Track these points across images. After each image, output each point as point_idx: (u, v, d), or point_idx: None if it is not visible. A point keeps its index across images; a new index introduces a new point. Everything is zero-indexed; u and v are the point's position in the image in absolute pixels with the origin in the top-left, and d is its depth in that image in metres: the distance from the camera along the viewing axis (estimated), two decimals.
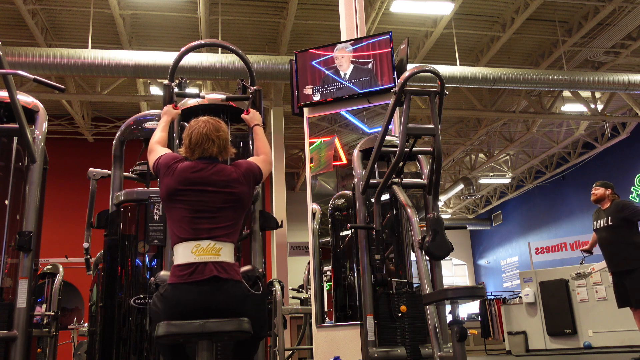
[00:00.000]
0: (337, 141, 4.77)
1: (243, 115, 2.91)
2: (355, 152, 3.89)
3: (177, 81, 3.10)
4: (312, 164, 4.75)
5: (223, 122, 2.52)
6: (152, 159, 2.54)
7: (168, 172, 2.40)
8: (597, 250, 5.40)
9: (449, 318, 2.61)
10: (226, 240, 2.32)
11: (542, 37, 10.15)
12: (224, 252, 2.29)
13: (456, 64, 9.46)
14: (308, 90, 4.74)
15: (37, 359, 5.00)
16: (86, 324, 6.73)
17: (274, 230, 4.83)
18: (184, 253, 2.26)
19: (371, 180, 3.61)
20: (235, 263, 2.35)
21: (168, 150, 2.58)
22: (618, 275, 5.06)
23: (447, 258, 3.81)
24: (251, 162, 2.55)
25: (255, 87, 3.09)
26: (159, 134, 2.69)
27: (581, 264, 5.62)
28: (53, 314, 5.16)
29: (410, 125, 3.00)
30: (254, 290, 2.34)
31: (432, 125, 3.01)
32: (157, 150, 2.57)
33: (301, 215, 7.17)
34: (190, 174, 2.36)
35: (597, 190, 5.28)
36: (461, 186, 15.71)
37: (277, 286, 4.61)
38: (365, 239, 3.62)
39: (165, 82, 3.02)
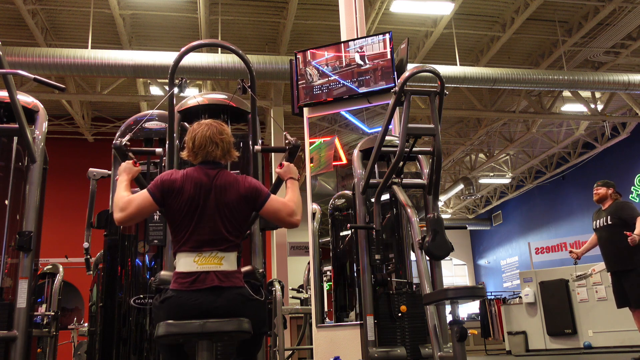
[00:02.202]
0: (337, 141, 4.78)
1: (277, 170, 2.66)
2: (355, 152, 3.89)
3: (177, 81, 3.09)
4: (312, 164, 4.75)
5: (226, 125, 2.49)
6: (138, 200, 2.28)
7: (180, 184, 2.29)
8: (596, 250, 5.39)
9: (449, 318, 2.61)
10: (228, 250, 2.30)
11: (542, 37, 10.15)
12: (226, 261, 2.27)
13: (456, 64, 9.45)
14: (308, 90, 4.74)
15: (37, 359, 5.00)
16: (86, 324, 6.73)
17: (274, 230, 4.82)
18: (186, 261, 2.25)
19: (371, 180, 3.61)
20: (238, 269, 2.33)
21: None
22: (616, 275, 5.06)
23: (447, 258, 3.81)
24: (261, 185, 2.44)
25: (293, 141, 2.75)
26: (125, 193, 2.34)
27: (575, 264, 5.62)
28: (53, 314, 5.16)
29: (410, 125, 3.00)
30: (257, 297, 2.33)
31: (432, 125, 3.01)
32: (135, 196, 2.31)
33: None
34: (201, 181, 2.31)
35: (599, 190, 5.28)
36: (461, 186, 15.71)
37: (277, 286, 4.61)
38: (365, 239, 3.63)
39: (117, 141, 2.69)
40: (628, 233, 4.86)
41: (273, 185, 2.96)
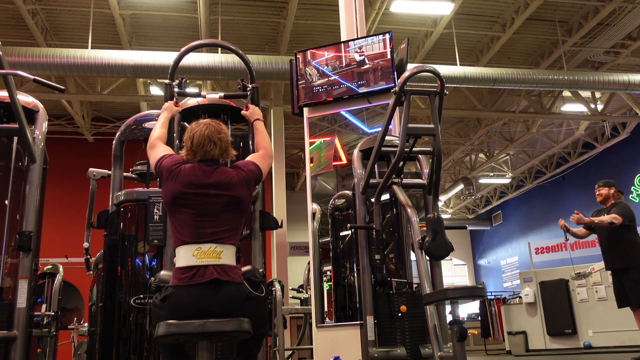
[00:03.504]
0: (337, 141, 4.77)
1: (243, 112, 2.92)
2: (355, 152, 3.89)
3: (177, 81, 3.10)
4: (312, 164, 4.75)
5: (224, 125, 2.52)
6: (153, 156, 2.53)
7: (171, 176, 2.38)
8: (596, 250, 5.39)
9: (449, 318, 2.61)
10: (227, 243, 2.32)
11: (542, 37, 10.15)
12: (225, 255, 2.29)
13: (456, 64, 9.45)
14: (308, 90, 4.74)
15: (37, 359, 5.00)
16: (86, 324, 6.73)
17: (274, 230, 4.83)
18: (186, 256, 2.27)
19: (371, 180, 3.61)
20: (237, 265, 2.35)
21: (169, 150, 2.56)
22: (616, 274, 5.06)
23: (447, 258, 3.81)
24: (250, 162, 2.53)
25: (252, 85, 3.15)
26: (159, 130, 2.68)
27: (566, 240, 5.50)
28: (53, 314, 5.16)
29: (410, 125, 3.00)
30: (257, 293, 2.34)
31: (432, 125, 3.01)
32: (159, 147, 2.56)
33: (301, 215, 7.16)
34: (194, 178, 2.35)
35: (602, 191, 5.28)
36: (461, 186, 15.71)
37: (277, 286, 4.61)
38: (365, 239, 3.63)
39: (167, 81, 3.05)
40: (577, 212, 5.06)
41: (252, 137, 3.07)
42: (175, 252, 2.33)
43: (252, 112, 2.88)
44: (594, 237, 5.40)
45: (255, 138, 2.74)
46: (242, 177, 2.42)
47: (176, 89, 3.06)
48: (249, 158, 2.59)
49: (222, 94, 3.31)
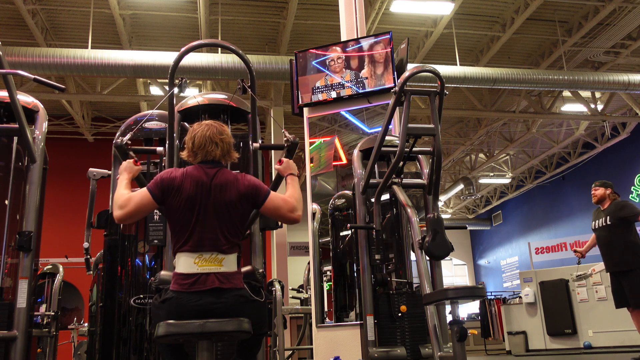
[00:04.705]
0: (337, 141, 4.78)
1: (276, 167, 2.67)
2: (355, 152, 3.90)
3: (177, 81, 3.09)
4: (312, 164, 4.75)
5: (226, 126, 2.48)
6: (138, 198, 2.28)
7: (178, 183, 2.28)
8: (596, 250, 5.39)
9: (449, 318, 2.61)
10: (229, 251, 2.29)
11: (542, 37, 10.15)
12: (226, 262, 2.27)
13: (456, 64, 9.45)
14: (308, 90, 4.74)
15: (37, 359, 5.01)
16: (86, 324, 6.73)
17: (274, 230, 4.82)
18: (186, 262, 2.24)
19: (371, 180, 3.61)
20: (238, 270, 2.33)
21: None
22: (616, 276, 5.05)
23: (447, 258, 3.81)
24: (264, 186, 2.44)
25: (291, 138, 2.77)
26: (124, 191, 2.35)
27: (578, 264, 5.63)
28: (53, 314, 5.16)
29: (410, 125, 3.00)
30: (257, 298, 2.32)
31: (432, 125, 3.02)
32: (133, 194, 2.31)
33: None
34: (199, 178, 2.31)
35: (597, 191, 5.27)
36: (461, 186, 15.71)
37: (277, 286, 4.61)
38: (365, 239, 3.63)
39: (118, 140, 2.73)
40: None
41: (273, 182, 2.98)
42: (176, 256, 2.29)
43: (287, 166, 2.61)
44: None
45: (287, 190, 2.51)
46: (241, 187, 2.35)
47: (132, 147, 2.73)
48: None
49: (257, 145, 3.04)
